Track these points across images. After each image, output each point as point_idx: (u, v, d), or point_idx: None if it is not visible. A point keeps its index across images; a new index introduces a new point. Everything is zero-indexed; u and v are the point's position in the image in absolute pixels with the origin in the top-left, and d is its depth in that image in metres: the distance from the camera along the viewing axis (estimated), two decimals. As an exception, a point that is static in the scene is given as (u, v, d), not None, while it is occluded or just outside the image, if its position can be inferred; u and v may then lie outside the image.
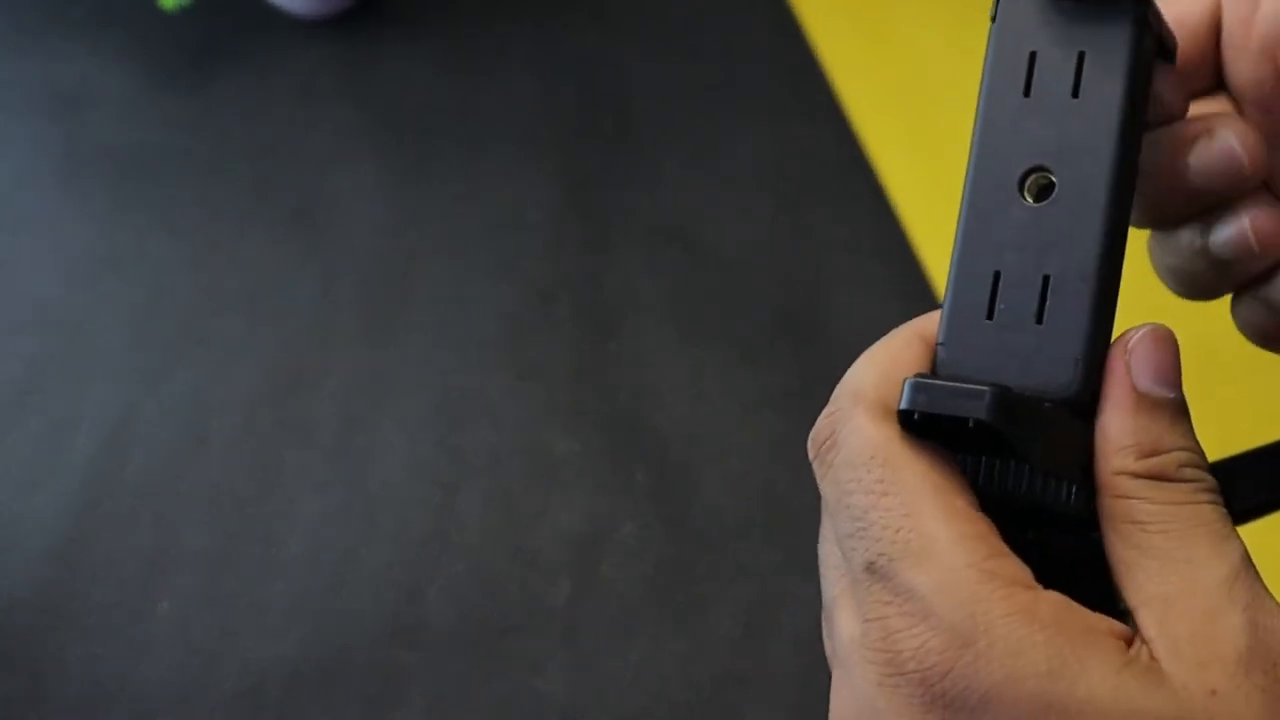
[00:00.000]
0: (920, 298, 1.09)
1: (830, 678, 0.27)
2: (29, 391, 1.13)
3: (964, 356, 0.28)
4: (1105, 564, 0.27)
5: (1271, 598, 0.25)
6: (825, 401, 0.28)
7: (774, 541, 0.98)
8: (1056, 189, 0.28)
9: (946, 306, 0.28)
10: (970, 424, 0.25)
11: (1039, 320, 0.27)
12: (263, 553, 1.02)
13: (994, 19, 0.29)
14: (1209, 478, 0.26)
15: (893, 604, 0.24)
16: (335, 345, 1.13)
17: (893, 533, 0.25)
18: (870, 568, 0.25)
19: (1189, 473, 0.26)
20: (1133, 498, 0.26)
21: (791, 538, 0.97)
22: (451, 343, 1.12)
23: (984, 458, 0.27)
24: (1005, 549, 0.25)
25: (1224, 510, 0.26)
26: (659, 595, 0.97)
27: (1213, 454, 0.28)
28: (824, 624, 0.28)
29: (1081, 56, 0.28)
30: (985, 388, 0.25)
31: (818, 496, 0.28)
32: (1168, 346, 0.27)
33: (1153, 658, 0.24)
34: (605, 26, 1.34)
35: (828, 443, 0.28)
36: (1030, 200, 0.28)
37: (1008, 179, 0.28)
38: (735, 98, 1.25)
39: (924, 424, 0.26)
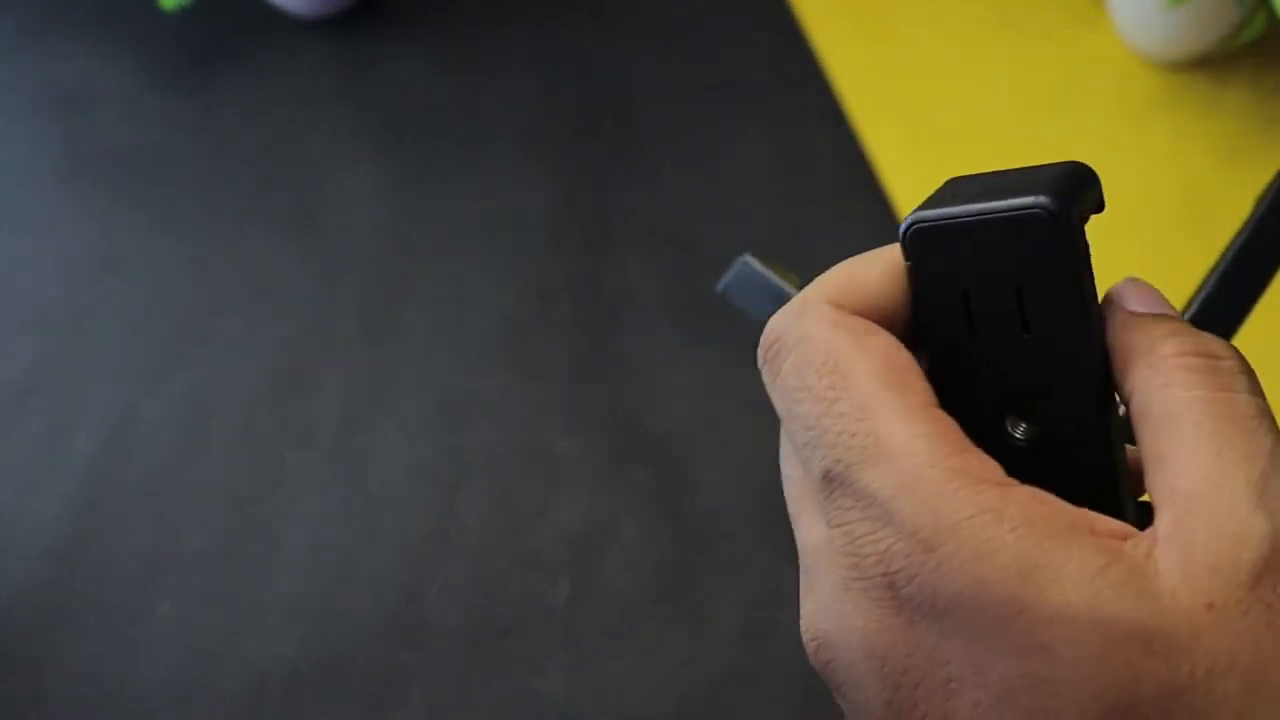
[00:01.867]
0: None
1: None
2: (29, 391, 1.13)
3: None
4: (1108, 463, 0.26)
5: None
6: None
7: (774, 541, 0.98)
8: (1045, 423, 0.26)
9: None
10: (1022, 223, 0.24)
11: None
12: (263, 553, 1.02)
13: (907, 259, 0.26)
14: (1245, 366, 0.25)
15: (854, 509, 0.24)
16: (335, 345, 1.13)
17: (848, 438, 0.24)
18: (828, 476, 0.24)
19: (1225, 363, 0.24)
20: (1168, 385, 0.24)
21: (791, 537, 0.97)
22: (451, 343, 1.12)
23: (995, 319, 0.25)
24: (969, 445, 0.24)
25: (1262, 403, 0.24)
26: (659, 595, 0.97)
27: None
28: (794, 530, 0.28)
29: (1019, 293, 0.25)
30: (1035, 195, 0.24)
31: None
32: (1145, 286, 0.27)
33: (1149, 557, 0.22)
34: (605, 26, 1.34)
35: (774, 348, 0.26)
36: (1020, 436, 0.26)
37: (989, 420, 0.26)
38: (735, 98, 1.25)
39: (940, 241, 0.25)
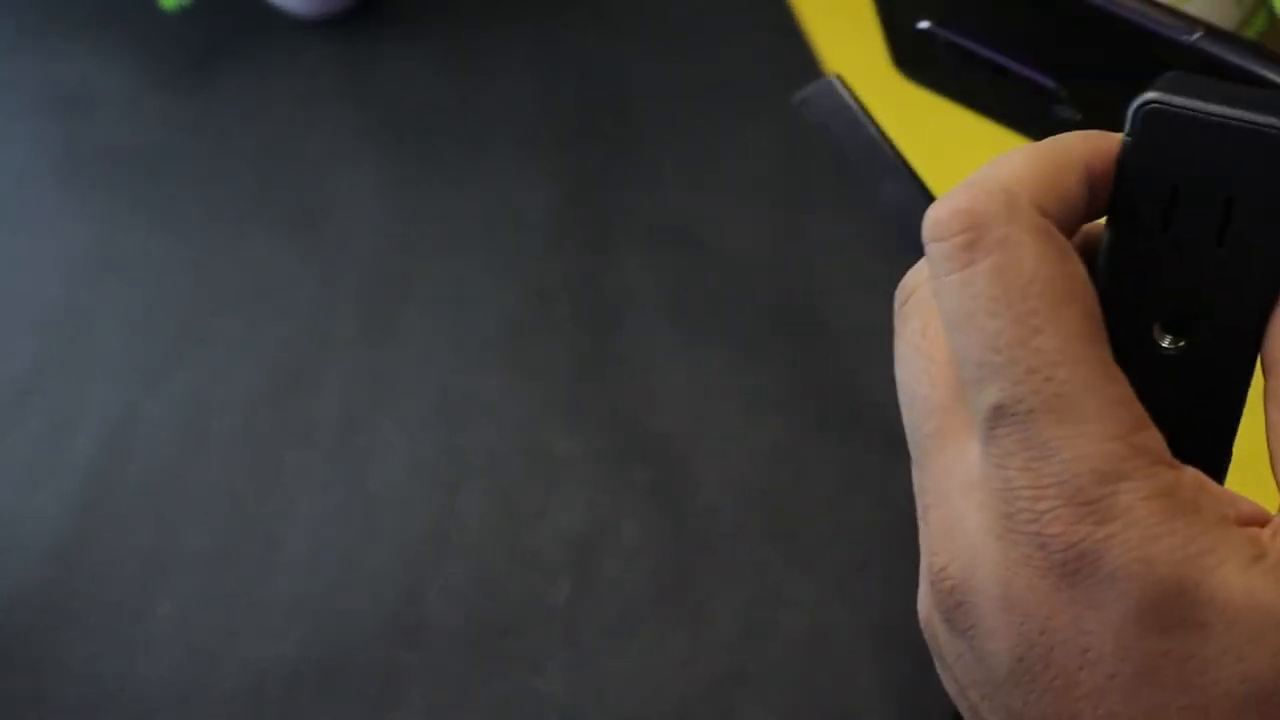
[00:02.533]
0: (920, 298, 1.09)
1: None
2: (29, 391, 1.13)
3: None
4: (1240, 395, 0.26)
5: None
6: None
7: (774, 541, 0.98)
8: (1196, 339, 0.26)
9: None
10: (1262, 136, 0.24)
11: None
12: (263, 553, 1.02)
13: (1129, 135, 0.26)
14: None
15: (1019, 455, 0.22)
16: (335, 345, 1.13)
17: (1041, 379, 0.22)
18: (1000, 409, 0.22)
19: None
20: None
21: (791, 538, 0.97)
22: (451, 343, 1.12)
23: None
24: (1147, 417, 0.23)
25: None
26: (659, 595, 0.97)
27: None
28: (906, 411, 0.25)
29: (1230, 203, 0.25)
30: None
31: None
32: None
33: None
34: (605, 26, 1.34)
35: (969, 235, 0.23)
36: (1166, 345, 0.26)
37: (1142, 322, 0.26)
38: (735, 98, 1.25)
39: (1172, 131, 0.25)
